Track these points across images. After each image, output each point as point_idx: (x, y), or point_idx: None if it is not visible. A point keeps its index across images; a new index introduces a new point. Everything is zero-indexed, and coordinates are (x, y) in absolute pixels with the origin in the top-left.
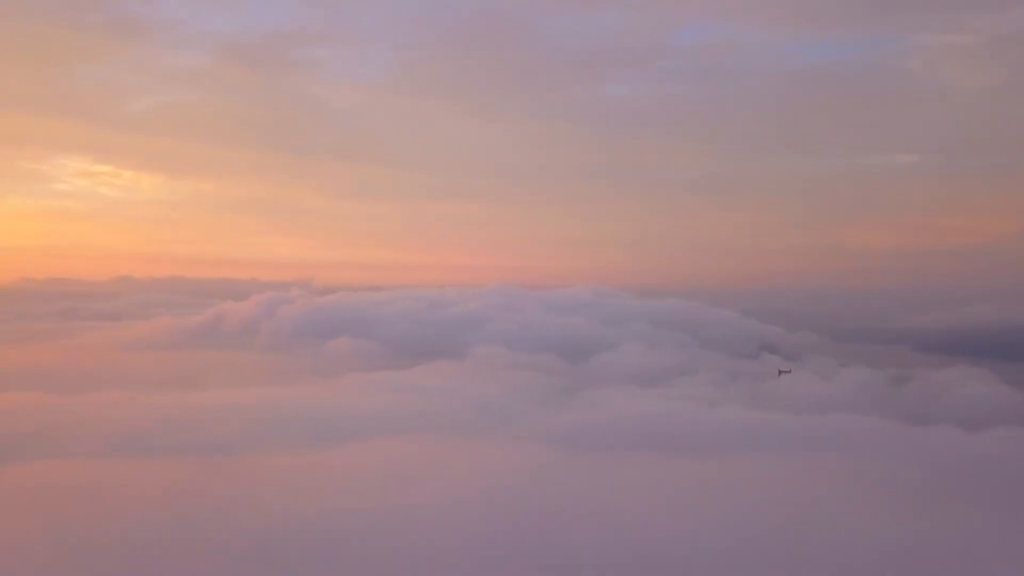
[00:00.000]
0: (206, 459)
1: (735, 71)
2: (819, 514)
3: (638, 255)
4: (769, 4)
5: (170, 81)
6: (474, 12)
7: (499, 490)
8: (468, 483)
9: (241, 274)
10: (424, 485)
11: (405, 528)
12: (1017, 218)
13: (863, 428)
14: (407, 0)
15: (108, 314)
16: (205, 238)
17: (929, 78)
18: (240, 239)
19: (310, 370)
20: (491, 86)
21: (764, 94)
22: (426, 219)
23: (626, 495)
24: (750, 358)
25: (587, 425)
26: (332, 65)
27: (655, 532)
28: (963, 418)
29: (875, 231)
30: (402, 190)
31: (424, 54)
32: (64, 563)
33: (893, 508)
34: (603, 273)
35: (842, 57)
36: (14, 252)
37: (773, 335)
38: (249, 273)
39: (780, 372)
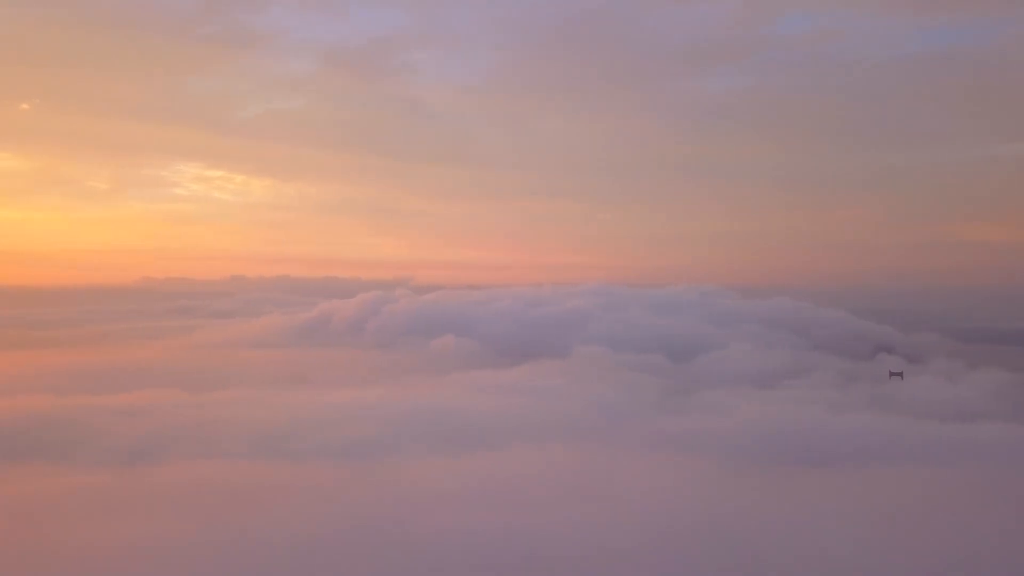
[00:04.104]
0: (352, 462)
1: (839, 61)
2: (996, 538)
3: (740, 253)
4: None
5: (277, 88)
6: (572, 11)
7: (676, 507)
8: (640, 499)
9: (344, 273)
10: (594, 499)
11: (598, 548)
12: None
13: (1016, 437)
14: (505, 1)
15: (222, 312)
16: (311, 239)
17: None
18: (343, 239)
19: (418, 368)
20: (589, 84)
21: (871, 84)
22: (521, 218)
23: (800, 511)
24: (865, 359)
25: (719, 431)
26: (431, 68)
27: (850, 553)
28: None
29: (995, 225)
30: (499, 189)
31: (522, 54)
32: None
33: None
34: (703, 272)
35: (953, 42)
36: (137, 253)
37: (888, 335)
38: (352, 272)
39: (891, 374)
